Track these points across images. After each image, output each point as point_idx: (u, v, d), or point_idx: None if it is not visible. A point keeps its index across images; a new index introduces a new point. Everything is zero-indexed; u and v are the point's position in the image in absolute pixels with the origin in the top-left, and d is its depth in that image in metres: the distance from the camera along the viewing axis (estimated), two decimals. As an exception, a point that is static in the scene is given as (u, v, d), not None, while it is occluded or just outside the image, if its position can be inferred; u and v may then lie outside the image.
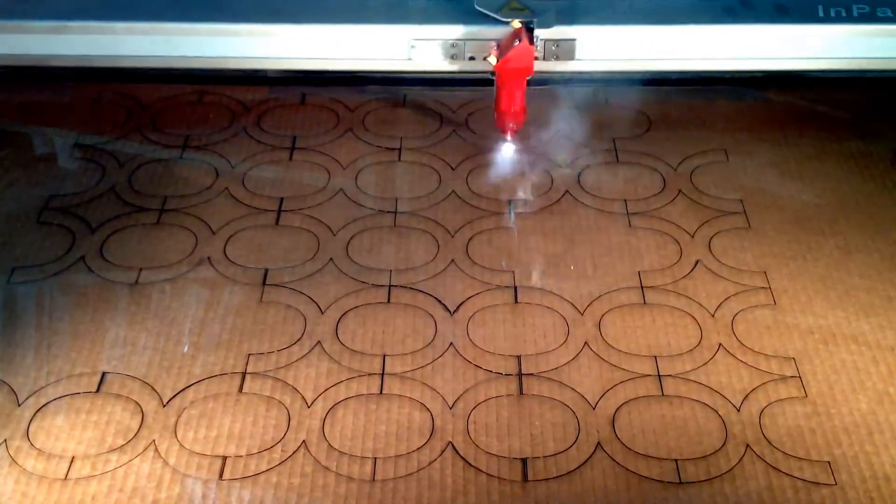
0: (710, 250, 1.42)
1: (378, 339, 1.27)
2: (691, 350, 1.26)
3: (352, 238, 1.44)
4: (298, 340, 1.27)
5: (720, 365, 1.24)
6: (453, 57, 1.41)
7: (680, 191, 1.53)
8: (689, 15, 1.42)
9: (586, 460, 1.12)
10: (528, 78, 1.39)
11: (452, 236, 1.44)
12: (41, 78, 1.76)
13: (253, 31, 1.42)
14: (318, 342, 1.27)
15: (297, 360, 1.24)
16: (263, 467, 1.11)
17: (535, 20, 1.33)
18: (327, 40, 1.41)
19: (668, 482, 1.10)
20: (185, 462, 1.11)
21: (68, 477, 1.09)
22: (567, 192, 1.52)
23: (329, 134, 1.65)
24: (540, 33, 1.34)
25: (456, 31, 1.38)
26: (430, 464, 1.12)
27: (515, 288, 1.35)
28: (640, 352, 1.26)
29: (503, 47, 1.35)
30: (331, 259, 1.40)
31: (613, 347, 1.26)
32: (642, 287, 1.36)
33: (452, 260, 1.40)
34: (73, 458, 1.11)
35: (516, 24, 1.34)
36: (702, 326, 1.29)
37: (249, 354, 1.25)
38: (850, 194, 1.52)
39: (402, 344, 1.26)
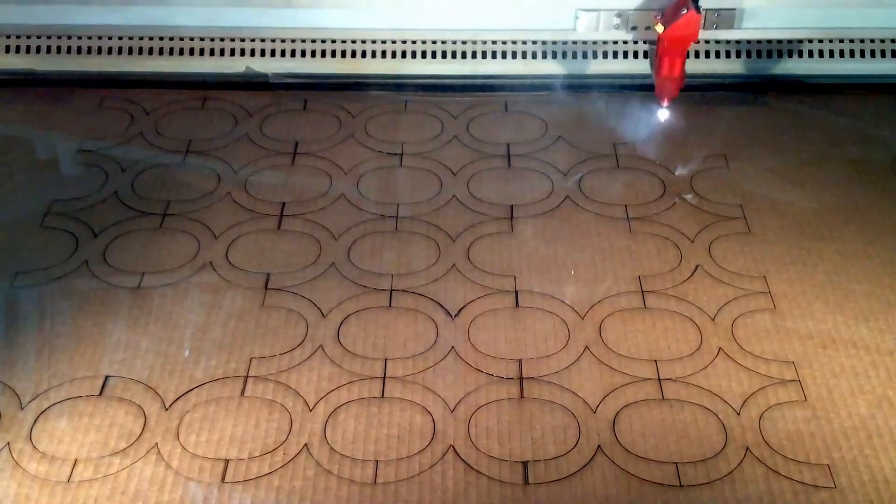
0: (711, 255, 1.42)
1: (379, 343, 1.28)
2: (691, 354, 1.27)
3: (353, 242, 1.44)
4: (300, 344, 1.27)
5: (720, 369, 1.24)
6: (616, 27, 1.44)
7: (680, 196, 1.54)
8: None
9: (587, 464, 1.13)
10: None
11: (454, 241, 1.45)
12: (44, 84, 1.77)
13: None
14: (320, 346, 1.27)
15: (298, 364, 1.24)
16: (265, 470, 1.12)
17: None
18: (493, 9, 1.42)
19: (669, 485, 1.10)
20: (188, 465, 1.12)
21: (71, 480, 1.10)
22: (567, 197, 1.53)
23: (331, 139, 1.66)
24: (703, 2, 1.38)
25: (618, 1, 1.41)
26: (431, 467, 1.12)
27: (516, 292, 1.35)
28: (640, 356, 1.26)
29: (668, 15, 1.39)
30: (332, 263, 1.40)
31: (614, 351, 1.27)
32: (643, 291, 1.36)
33: (454, 264, 1.40)
34: (76, 461, 1.12)
35: None
36: (702, 331, 1.30)
37: (251, 358, 1.25)
38: (849, 200, 1.53)
39: (403, 348, 1.27)
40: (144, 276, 1.37)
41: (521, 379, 1.23)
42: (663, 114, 1.59)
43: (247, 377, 1.23)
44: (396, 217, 1.49)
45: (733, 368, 1.24)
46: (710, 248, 1.44)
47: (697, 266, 1.41)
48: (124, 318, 1.30)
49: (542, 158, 1.61)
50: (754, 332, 1.30)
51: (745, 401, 1.20)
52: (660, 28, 1.41)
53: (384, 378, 1.23)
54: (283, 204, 1.51)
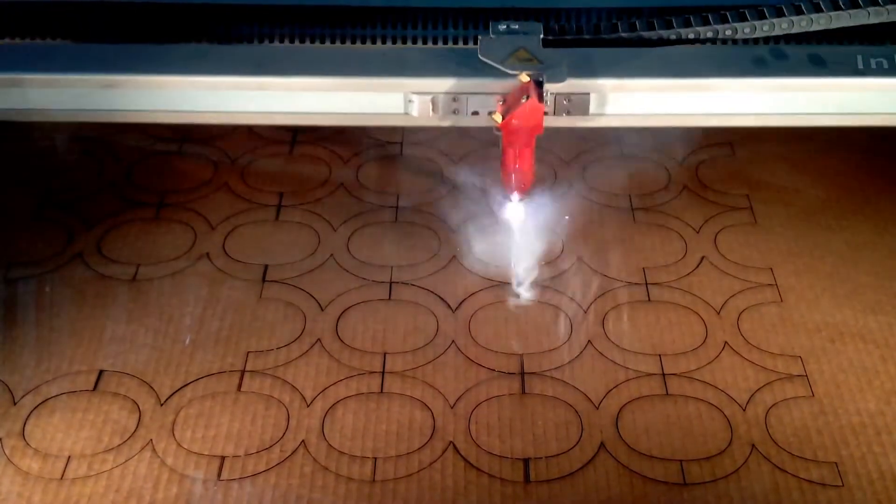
0: (716, 246, 1.40)
1: (379, 337, 1.26)
2: (696, 348, 1.24)
3: (352, 233, 1.42)
4: (298, 338, 1.25)
5: (725, 363, 1.22)
6: (455, 112, 1.20)
7: (685, 186, 1.51)
8: (714, 67, 1.29)
9: (589, 461, 1.11)
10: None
11: (454, 232, 1.42)
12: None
13: (245, 84, 1.21)
14: (318, 340, 1.25)
15: (296, 358, 1.23)
16: (262, 467, 1.10)
17: (544, 74, 1.16)
18: (319, 92, 1.22)
19: (673, 483, 1.08)
20: (183, 462, 1.10)
21: (64, 477, 1.08)
22: (570, 186, 1.51)
23: (330, 127, 1.63)
24: (550, 87, 1.17)
25: (457, 83, 1.20)
26: (430, 464, 1.10)
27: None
28: (644, 350, 1.24)
29: (510, 103, 1.19)
30: (331, 255, 1.38)
31: (617, 346, 1.25)
32: (647, 284, 1.34)
33: (454, 256, 1.38)
34: (70, 457, 1.10)
35: (524, 77, 1.17)
36: (707, 324, 1.28)
37: (248, 352, 1.23)
38: (858, 190, 1.50)
39: (402, 342, 1.25)
40: (140, 267, 1.35)
41: (522, 374, 1.21)
42: (515, 209, 1.34)
43: (243, 372, 1.21)
44: (396, 207, 1.47)
45: (739, 363, 1.22)
46: (715, 239, 1.41)
47: (703, 258, 1.38)
48: (119, 311, 1.28)
49: (545, 147, 1.59)
50: (760, 325, 1.27)
51: (751, 396, 1.18)
52: (498, 118, 1.18)
53: (383, 373, 1.21)
54: (281, 194, 1.49)
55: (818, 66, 1.21)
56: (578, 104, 1.19)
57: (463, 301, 1.31)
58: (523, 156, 1.24)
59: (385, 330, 1.27)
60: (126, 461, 1.10)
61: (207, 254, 1.38)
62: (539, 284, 1.33)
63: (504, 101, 1.19)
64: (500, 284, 1.34)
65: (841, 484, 1.08)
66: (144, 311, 1.28)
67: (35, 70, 1.19)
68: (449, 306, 1.30)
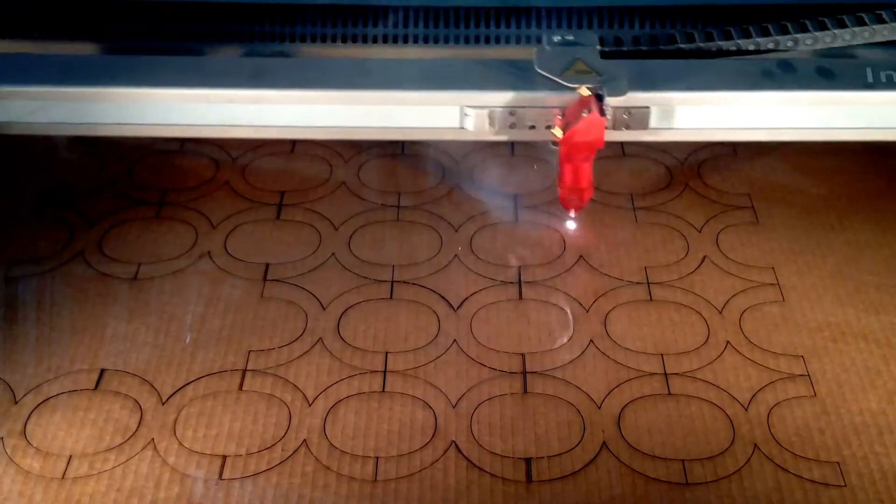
0: (718, 246, 1.40)
1: (380, 336, 1.25)
2: (698, 348, 1.24)
3: (354, 232, 1.42)
4: (299, 337, 1.25)
5: (728, 363, 1.22)
6: (511, 126, 1.18)
7: (687, 185, 1.51)
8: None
9: (591, 460, 1.11)
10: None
11: (456, 231, 1.42)
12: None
13: (300, 98, 1.19)
14: (320, 339, 1.25)
15: (298, 357, 1.22)
16: (263, 467, 1.10)
17: (605, 87, 1.14)
18: (368, 105, 1.19)
19: (675, 483, 1.08)
20: (185, 461, 1.10)
21: (66, 476, 1.08)
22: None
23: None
24: (610, 101, 1.14)
25: (514, 97, 1.17)
26: (432, 464, 1.10)
27: (520, 284, 1.33)
28: (646, 350, 1.24)
29: (569, 117, 1.16)
30: (333, 254, 1.38)
31: (619, 345, 1.24)
32: (648, 283, 1.34)
33: (456, 255, 1.38)
34: (71, 456, 1.10)
35: (584, 91, 1.15)
36: (709, 324, 1.28)
37: (250, 351, 1.23)
38: (860, 189, 1.50)
39: (404, 341, 1.25)
40: (141, 266, 1.35)
41: (524, 373, 1.21)
42: (571, 225, 1.39)
43: (245, 371, 1.20)
44: (398, 206, 1.47)
45: (741, 363, 1.22)
46: (717, 238, 1.41)
47: (704, 257, 1.38)
48: (121, 310, 1.28)
49: (546, 146, 1.59)
50: (763, 325, 1.27)
51: (753, 396, 1.18)
52: (558, 132, 1.15)
53: (385, 372, 1.21)
54: (283, 193, 1.49)
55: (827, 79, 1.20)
56: (638, 118, 1.17)
57: (465, 300, 1.31)
58: (581, 171, 1.21)
59: (387, 329, 1.26)
60: (127, 460, 1.10)
61: (209, 252, 1.38)
62: (542, 285, 1.33)
63: (563, 116, 1.16)
64: (502, 284, 1.33)
65: (843, 484, 1.08)
66: (146, 310, 1.28)
67: (26, 82, 1.17)
68: (451, 305, 1.30)
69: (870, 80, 1.19)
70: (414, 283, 1.33)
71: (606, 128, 1.16)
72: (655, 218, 1.45)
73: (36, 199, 1.46)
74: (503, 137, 1.20)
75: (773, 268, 1.36)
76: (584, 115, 1.13)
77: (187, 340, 1.23)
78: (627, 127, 1.18)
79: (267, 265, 1.36)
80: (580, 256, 1.38)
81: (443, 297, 1.31)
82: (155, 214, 1.44)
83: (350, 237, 1.41)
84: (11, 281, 1.32)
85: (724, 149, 1.58)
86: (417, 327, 1.27)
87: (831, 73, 1.20)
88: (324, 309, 1.29)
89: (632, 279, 1.34)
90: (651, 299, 1.31)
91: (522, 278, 1.34)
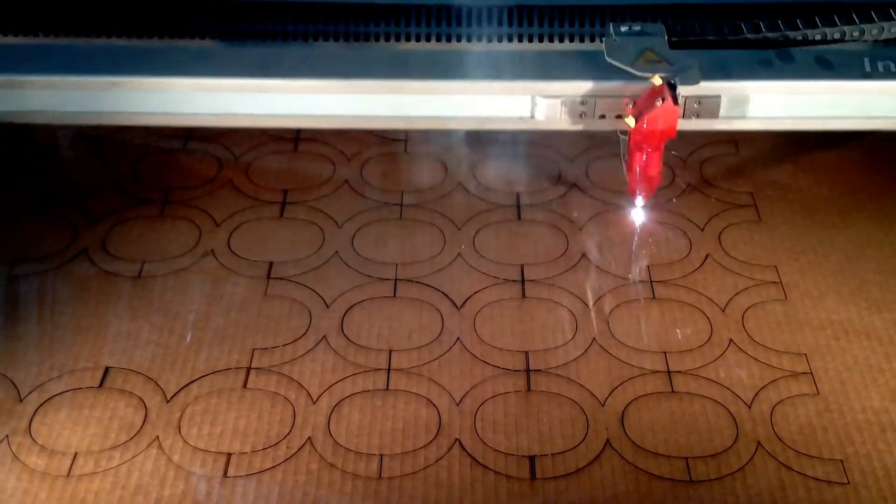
0: (721, 244, 1.40)
1: (384, 334, 1.26)
2: (701, 346, 1.24)
3: (357, 231, 1.42)
4: (303, 335, 1.25)
5: (731, 361, 1.22)
6: (582, 115, 1.18)
7: (689, 183, 1.51)
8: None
9: (595, 458, 1.11)
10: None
11: (459, 229, 1.42)
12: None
13: (382, 87, 1.19)
14: (324, 337, 1.25)
15: (302, 355, 1.22)
16: (268, 465, 1.10)
17: (677, 76, 1.14)
18: (440, 95, 1.19)
19: (679, 480, 1.09)
20: (190, 459, 1.10)
21: (71, 474, 1.08)
22: (575, 184, 1.51)
23: (334, 124, 1.63)
24: (683, 90, 1.14)
25: (585, 86, 1.18)
26: (436, 461, 1.10)
27: (523, 282, 1.33)
28: (649, 347, 1.24)
29: (641, 106, 1.16)
30: (336, 252, 1.38)
31: (622, 343, 1.25)
32: (652, 281, 1.34)
33: (459, 253, 1.38)
34: (76, 454, 1.10)
35: (657, 80, 1.15)
36: (712, 322, 1.28)
37: (254, 349, 1.23)
38: (862, 187, 1.50)
39: (408, 339, 1.25)
40: (145, 264, 1.35)
41: (528, 371, 1.21)
42: (638, 214, 1.37)
43: (249, 368, 1.21)
44: (401, 205, 1.47)
45: (744, 360, 1.22)
46: (720, 236, 1.41)
47: (707, 255, 1.38)
48: (124, 308, 1.28)
49: (549, 144, 1.59)
50: (765, 322, 1.27)
51: (756, 394, 1.18)
52: (631, 121, 1.16)
53: (389, 370, 1.21)
54: (286, 191, 1.49)
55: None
56: (709, 107, 1.17)
57: (468, 298, 1.31)
58: (651, 160, 1.21)
59: (390, 327, 1.26)
60: (132, 458, 1.10)
61: (212, 251, 1.38)
62: (545, 283, 1.33)
63: (634, 105, 1.17)
64: (506, 282, 1.34)
65: (846, 481, 1.09)
66: (149, 308, 1.28)
67: (35, 72, 1.18)
68: (454, 303, 1.30)
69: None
70: (417, 282, 1.33)
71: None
72: (658, 216, 1.45)
73: (40, 198, 1.46)
74: (574, 127, 1.21)
75: (775, 266, 1.36)
76: (658, 104, 1.14)
77: (188, 339, 1.24)
78: (698, 116, 1.19)
79: (270, 263, 1.36)
80: (582, 255, 1.38)
81: (446, 296, 1.31)
82: (158, 213, 1.44)
83: (353, 235, 1.41)
84: (15, 279, 1.32)
85: (727, 147, 1.58)
86: (421, 325, 1.27)
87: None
88: (327, 307, 1.30)
89: (634, 277, 1.34)
90: (654, 297, 1.31)
91: (525, 276, 1.34)
